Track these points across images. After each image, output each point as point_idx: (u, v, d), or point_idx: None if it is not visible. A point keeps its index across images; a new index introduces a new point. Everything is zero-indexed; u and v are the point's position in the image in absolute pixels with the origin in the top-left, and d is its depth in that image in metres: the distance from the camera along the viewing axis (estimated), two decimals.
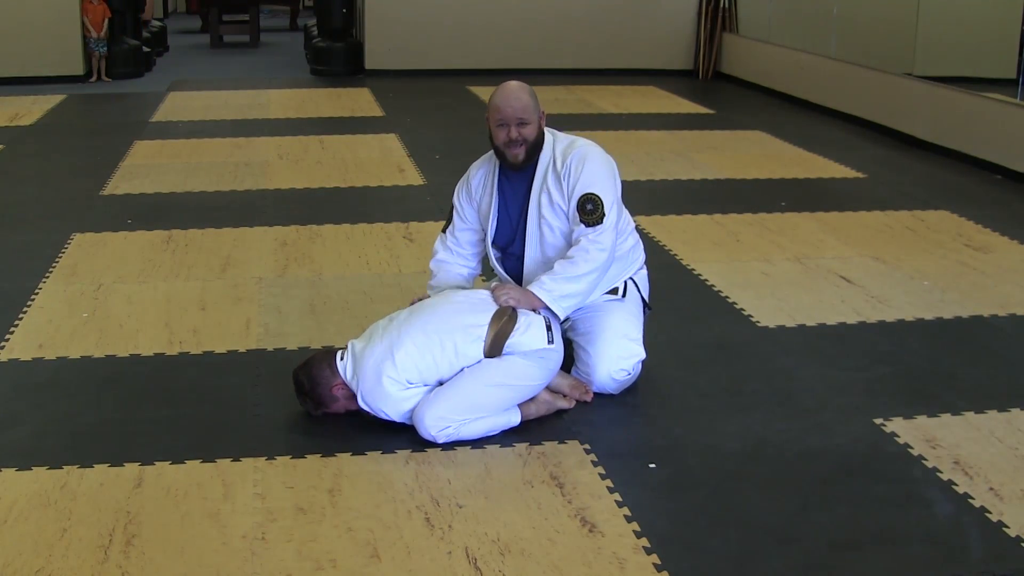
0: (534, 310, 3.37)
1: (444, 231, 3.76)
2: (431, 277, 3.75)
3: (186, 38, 15.87)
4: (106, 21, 10.76)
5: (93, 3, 10.66)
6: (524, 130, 3.45)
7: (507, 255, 3.65)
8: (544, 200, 3.50)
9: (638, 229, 3.78)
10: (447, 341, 3.22)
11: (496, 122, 3.48)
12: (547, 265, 3.52)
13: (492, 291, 3.40)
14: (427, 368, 3.20)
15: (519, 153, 3.48)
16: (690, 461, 3.15)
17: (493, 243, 3.63)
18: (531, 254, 3.56)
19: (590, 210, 3.41)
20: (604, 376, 3.48)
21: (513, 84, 3.53)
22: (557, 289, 3.38)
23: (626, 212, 3.68)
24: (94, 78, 10.79)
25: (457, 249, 3.71)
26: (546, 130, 3.57)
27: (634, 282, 3.67)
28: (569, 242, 3.49)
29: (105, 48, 10.81)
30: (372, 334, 3.31)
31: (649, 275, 3.81)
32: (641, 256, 3.75)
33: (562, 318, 3.44)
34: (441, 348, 3.21)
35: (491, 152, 3.61)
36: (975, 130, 7.22)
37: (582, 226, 3.41)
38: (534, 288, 3.38)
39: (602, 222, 3.41)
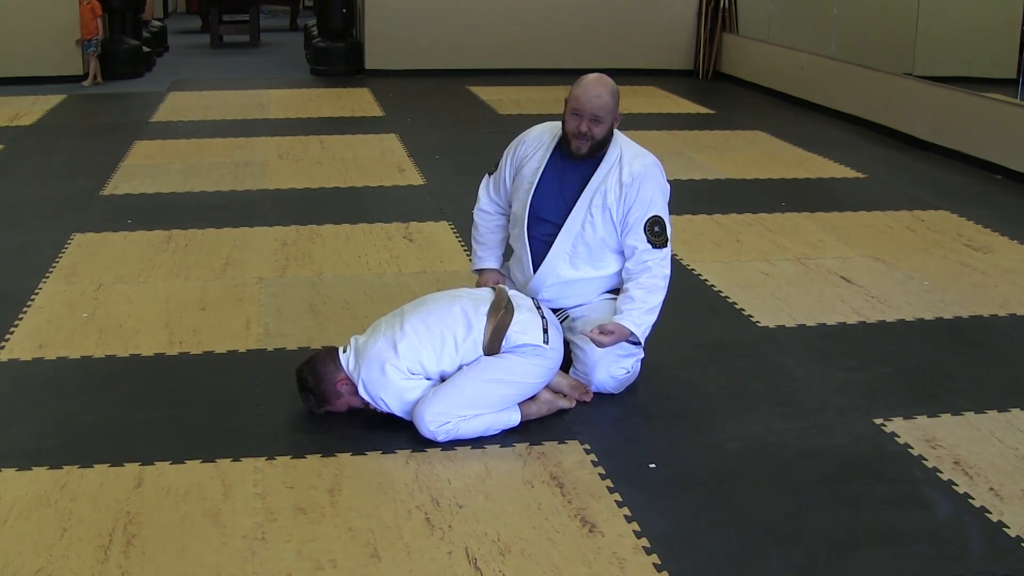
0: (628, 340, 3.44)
1: (490, 175, 3.82)
2: (475, 228, 3.85)
3: (186, 38, 15.87)
4: (99, 20, 10.49)
5: (83, 2, 10.42)
6: (595, 128, 3.47)
7: (537, 226, 3.62)
8: (598, 200, 3.52)
9: None
10: (448, 334, 3.24)
11: (571, 110, 3.50)
12: (572, 256, 3.54)
13: (588, 334, 3.40)
14: (428, 359, 3.22)
15: (582, 146, 3.51)
16: (690, 461, 3.15)
17: (530, 206, 3.61)
18: (563, 241, 3.56)
19: (658, 232, 3.48)
20: (603, 375, 3.49)
21: (596, 79, 3.54)
22: (644, 322, 3.44)
23: None
24: (88, 81, 10.54)
25: (496, 200, 3.81)
26: (616, 132, 3.58)
27: None
28: (603, 248, 3.53)
29: (94, 48, 10.48)
30: (376, 327, 3.33)
31: None
32: None
33: (641, 341, 3.48)
34: (441, 341, 3.23)
35: (557, 124, 3.63)
36: (975, 130, 7.23)
37: (649, 246, 3.47)
38: (623, 320, 3.41)
39: (666, 245, 3.50)
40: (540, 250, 3.62)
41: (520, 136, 3.74)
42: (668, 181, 3.64)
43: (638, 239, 3.48)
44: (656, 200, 3.51)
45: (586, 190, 3.53)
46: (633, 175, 3.49)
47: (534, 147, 3.67)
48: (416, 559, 2.62)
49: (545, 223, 3.60)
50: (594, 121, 3.46)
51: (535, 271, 3.60)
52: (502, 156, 3.77)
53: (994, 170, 6.94)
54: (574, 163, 3.56)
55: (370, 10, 11.31)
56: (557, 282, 3.58)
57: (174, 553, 2.64)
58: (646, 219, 3.47)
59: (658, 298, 3.48)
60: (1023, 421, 3.41)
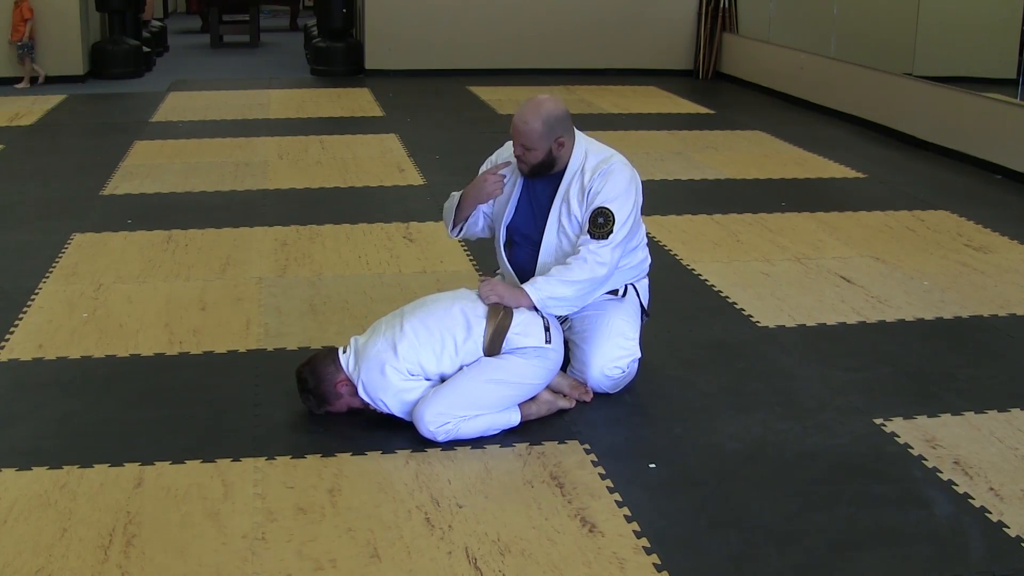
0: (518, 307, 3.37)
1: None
2: (448, 206, 3.73)
3: (186, 38, 15.87)
4: (28, 23, 10.19)
5: (19, 5, 10.20)
6: (528, 154, 3.44)
7: (518, 245, 3.62)
8: (563, 211, 3.49)
9: None
10: (447, 336, 3.24)
11: (511, 134, 3.49)
12: None
13: (479, 286, 3.40)
14: (428, 361, 3.22)
15: (523, 168, 3.50)
16: (690, 461, 3.15)
17: (508, 226, 3.61)
18: (546, 257, 3.54)
19: (600, 223, 3.41)
20: (597, 374, 3.49)
21: (531, 104, 3.47)
22: (547, 290, 3.37)
23: (642, 226, 3.69)
24: (23, 84, 10.28)
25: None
26: (580, 138, 3.53)
27: (634, 288, 3.67)
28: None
29: (23, 51, 10.24)
30: (376, 328, 3.33)
31: (649, 275, 3.80)
32: (646, 268, 3.75)
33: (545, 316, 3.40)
34: (441, 343, 3.23)
35: None
36: (975, 130, 7.22)
37: (587, 236, 3.41)
38: (525, 286, 3.38)
39: (607, 237, 3.40)
40: (525, 264, 3.59)
41: (494, 155, 3.71)
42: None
43: (583, 231, 3.44)
44: (610, 193, 3.43)
45: (553, 206, 3.51)
46: (593, 179, 3.45)
47: (508, 169, 3.63)
48: (416, 559, 2.62)
49: (523, 238, 3.59)
50: (525, 148, 3.43)
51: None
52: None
53: (994, 170, 6.94)
54: (544, 179, 3.54)
55: (370, 10, 11.31)
56: None
57: (174, 553, 2.64)
58: (595, 207, 3.42)
59: (577, 275, 3.37)
60: (1023, 421, 3.41)
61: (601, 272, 3.42)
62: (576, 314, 3.57)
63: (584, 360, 3.51)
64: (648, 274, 3.78)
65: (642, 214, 3.69)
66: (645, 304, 3.73)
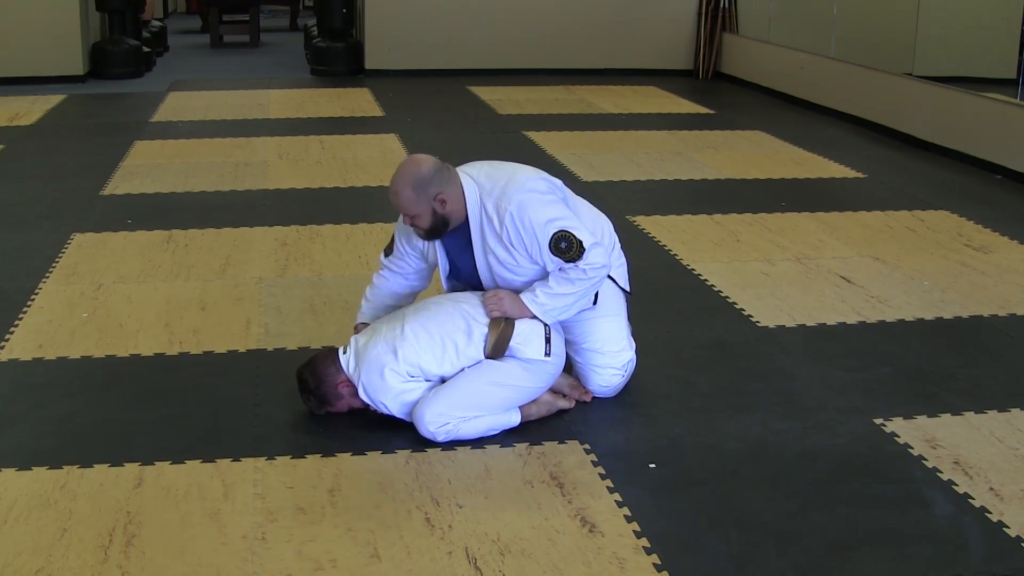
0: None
1: (386, 254, 3.59)
2: (369, 287, 3.63)
3: (186, 38, 15.86)
4: None
5: None
6: (416, 220, 3.30)
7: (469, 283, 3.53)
8: (493, 261, 3.35)
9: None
10: (448, 341, 3.23)
11: None
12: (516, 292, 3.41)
13: (483, 298, 3.34)
14: (428, 364, 3.21)
15: (422, 235, 3.35)
16: (690, 461, 3.15)
17: (450, 276, 3.51)
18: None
19: (564, 248, 3.24)
20: (595, 385, 3.50)
21: (397, 173, 3.29)
22: (549, 303, 3.28)
23: (588, 211, 3.56)
24: None
25: (400, 272, 3.59)
26: (466, 180, 3.34)
27: (610, 278, 3.55)
28: (532, 276, 3.36)
29: None
30: (376, 330, 3.32)
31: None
32: (619, 255, 3.62)
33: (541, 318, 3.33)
34: (443, 347, 3.22)
35: None
36: (975, 130, 7.23)
37: (571, 264, 3.26)
38: (525, 298, 3.30)
39: (584, 247, 3.25)
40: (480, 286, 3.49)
41: (400, 217, 3.49)
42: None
43: (553, 262, 3.28)
44: (543, 223, 3.23)
45: (477, 260, 3.38)
46: (501, 220, 3.25)
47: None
48: (416, 559, 2.62)
49: (470, 278, 3.49)
50: (408, 216, 3.30)
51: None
52: (392, 241, 3.56)
53: (994, 170, 6.94)
54: (451, 234, 3.38)
55: (370, 10, 11.30)
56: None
57: (174, 553, 2.64)
58: (547, 243, 3.25)
59: (577, 286, 3.26)
60: (1023, 421, 3.41)
61: (599, 274, 3.32)
62: (563, 323, 3.48)
63: (582, 373, 3.52)
64: (621, 251, 3.64)
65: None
66: (624, 286, 3.61)
